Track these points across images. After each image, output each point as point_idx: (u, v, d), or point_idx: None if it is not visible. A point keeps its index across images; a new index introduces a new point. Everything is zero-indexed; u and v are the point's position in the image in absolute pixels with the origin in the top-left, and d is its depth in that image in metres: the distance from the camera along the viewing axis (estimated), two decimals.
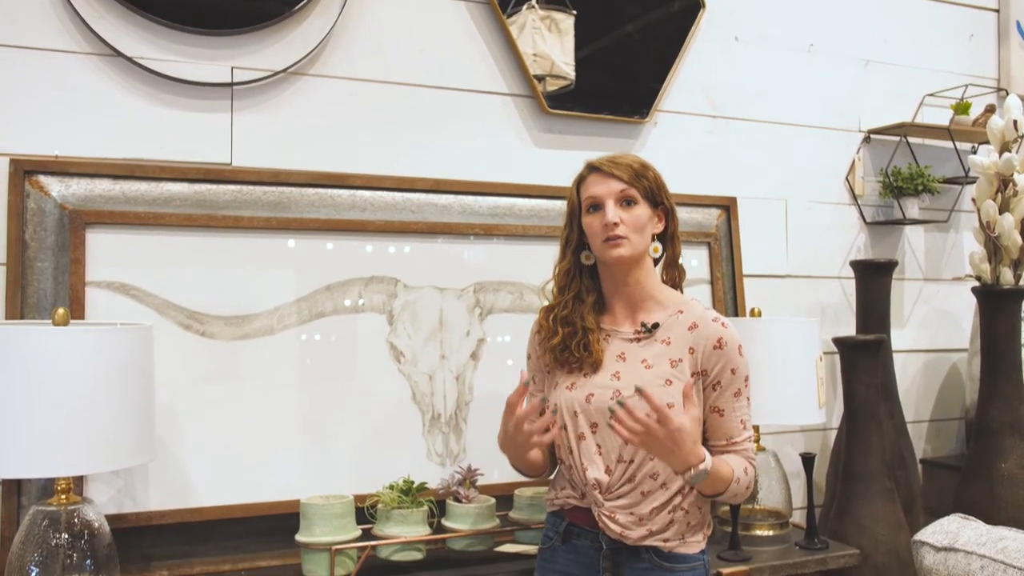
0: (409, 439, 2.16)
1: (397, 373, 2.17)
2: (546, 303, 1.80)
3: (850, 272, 2.81)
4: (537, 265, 2.31)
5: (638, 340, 1.69)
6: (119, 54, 2.02)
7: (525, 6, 2.37)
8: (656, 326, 1.69)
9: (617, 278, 1.72)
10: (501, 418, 1.64)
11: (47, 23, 1.98)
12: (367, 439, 2.13)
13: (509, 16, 2.38)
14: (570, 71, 2.41)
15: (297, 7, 2.15)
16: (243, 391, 2.03)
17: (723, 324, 1.68)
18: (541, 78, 2.40)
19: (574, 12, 2.41)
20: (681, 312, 1.70)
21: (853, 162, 2.92)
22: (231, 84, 2.12)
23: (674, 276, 1.79)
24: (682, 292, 1.80)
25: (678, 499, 1.64)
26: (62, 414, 1.54)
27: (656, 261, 1.76)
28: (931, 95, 3.03)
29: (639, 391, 1.51)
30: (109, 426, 1.60)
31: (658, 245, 1.74)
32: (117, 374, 1.62)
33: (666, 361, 1.66)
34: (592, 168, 1.72)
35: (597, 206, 1.69)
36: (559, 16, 2.40)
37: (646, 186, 1.69)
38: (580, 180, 1.75)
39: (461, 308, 2.24)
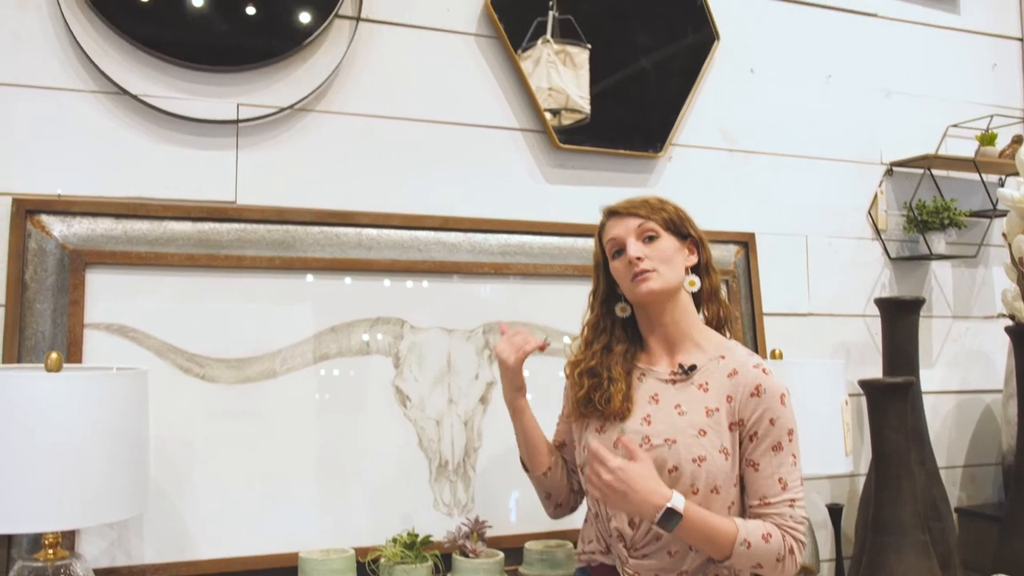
0: (415, 488, 2.08)
1: (403, 418, 2.09)
2: (570, 358, 1.74)
3: (875, 310, 2.72)
4: (549, 304, 2.26)
5: (674, 382, 1.61)
6: (124, 92, 1.99)
7: (540, 40, 2.34)
8: (693, 368, 1.60)
9: (652, 318, 1.65)
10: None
11: (53, 61, 1.96)
12: (371, 488, 2.05)
13: (524, 50, 2.35)
14: (585, 105, 2.37)
15: (305, 43, 2.12)
16: (243, 437, 1.97)
17: (764, 370, 1.59)
18: (556, 112, 2.36)
19: (589, 46, 2.38)
20: (723, 357, 1.61)
21: (875, 195, 2.84)
22: (237, 121, 2.09)
23: (716, 312, 1.70)
24: (727, 331, 1.71)
25: (712, 567, 1.54)
26: (52, 465, 1.48)
27: (696, 299, 1.69)
28: (955, 126, 2.95)
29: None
30: (100, 478, 1.53)
31: (694, 279, 1.66)
32: (110, 422, 1.56)
33: (702, 409, 1.57)
34: (610, 213, 1.68)
35: (620, 249, 1.63)
36: (574, 50, 2.37)
37: (665, 218, 1.63)
38: (600, 229, 1.70)
39: (470, 350, 2.17)
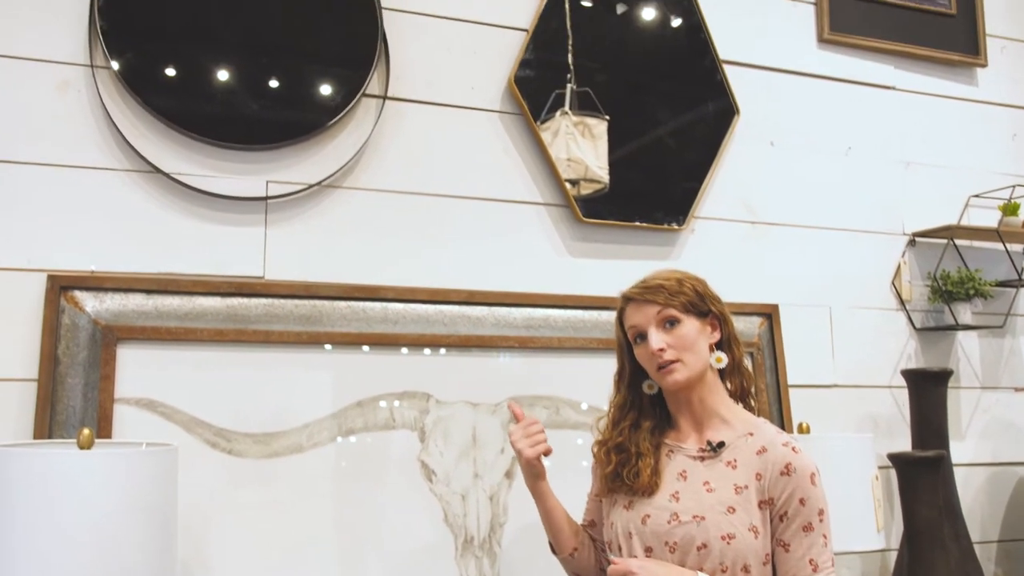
0: (441, 564, 2.06)
1: (429, 493, 2.09)
2: (597, 437, 1.73)
3: (901, 380, 2.69)
4: (573, 378, 2.27)
5: (702, 459, 1.60)
6: (158, 170, 2.05)
7: (558, 112, 2.39)
8: (722, 445, 1.60)
9: (680, 399, 1.65)
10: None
11: (90, 141, 2.03)
12: (397, 563, 2.04)
13: (542, 122, 2.39)
14: (604, 175, 2.40)
15: (333, 121, 2.18)
16: (270, 511, 1.97)
17: (794, 449, 1.57)
18: (575, 182, 2.40)
19: (607, 117, 2.43)
20: (751, 434, 1.61)
21: (899, 266, 2.84)
22: (266, 198, 2.14)
23: (739, 383, 1.69)
24: (752, 401, 1.71)
25: None
26: (83, 542, 1.49)
27: (723, 373, 1.69)
28: (977, 196, 2.96)
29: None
30: (130, 554, 1.54)
31: (721, 355, 1.66)
32: (141, 499, 1.57)
33: (730, 486, 1.55)
34: (627, 299, 1.68)
35: (642, 335, 1.64)
36: (592, 121, 2.41)
37: (684, 301, 1.62)
38: (620, 313, 1.70)
39: (495, 424, 2.17)
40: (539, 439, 1.69)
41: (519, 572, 2.08)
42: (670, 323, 1.61)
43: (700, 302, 1.64)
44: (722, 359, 1.65)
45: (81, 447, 1.59)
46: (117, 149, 2.04)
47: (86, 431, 1.60)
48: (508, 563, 2.11)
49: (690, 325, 1.61)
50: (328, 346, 2.09)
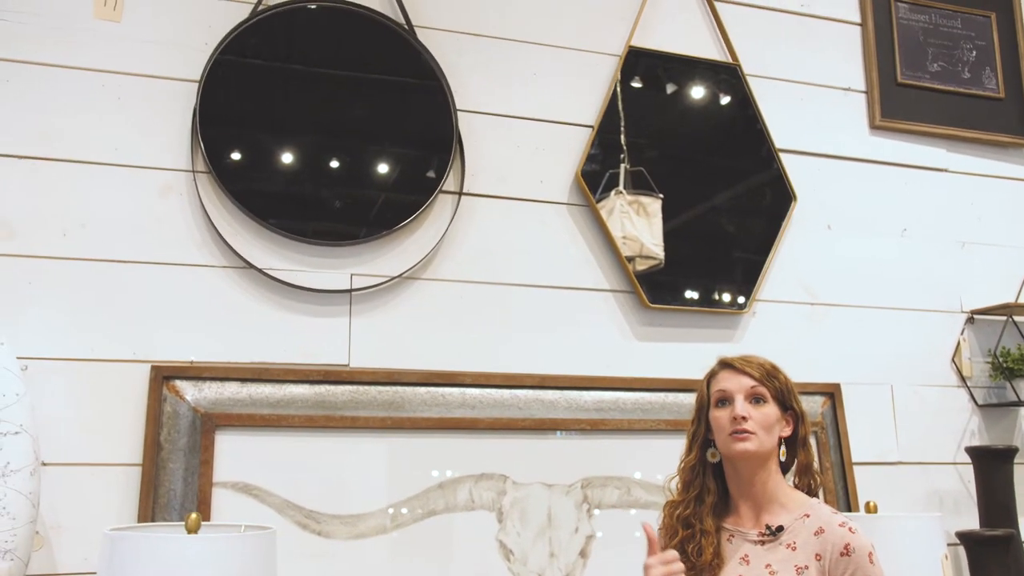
0: None
1: (507, 572, 2.16)
2: (669, 498, 1.80)
3: (965, 457, 2.71)
4: (643, 458, 2.33)
5: (762, 543, 1.67)
6: (251, 266, 2.19)
7: (613, 191, 2.49)
8: (780, 529, 1.67)
9: (743, 477, 1.72)
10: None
11: (190, 240, 2.18)
12: None
13: (597, 202, 2.49)
14: (659, 251, 2.49)
15: (412, 217, 2.31)
16: None
17: (851, 529, 1.64)
18: (631, 259, 2.49)
19: (661, 196, 2.53)
20: (807, 516, 1.68)
21: (958, 344, 2.88)
22: (351, 290, 2.27)
23: (808, 483, 1.77)
24: (818, 497, 1.77)
25: None
26: None
27: (786, 467, 1.76)
28: None
29: None
30: None
31: (784, 449, 1.74)
32: None
33: (791, 567, 1.62)
34: (724, 364, 1.77)
35: (726, 400, 1.72)
36: (646, 200, 2.51)
37: (777, 387, 1.72)
38: (711, 375, 1.78)
39: (569, 504, 2.25)
40: (676, 571, 1.63)
41: None
42: (757, 400, 1.70)
43: (787, 396, 1.73)
44: (785, 453, 1.73)
45: (189, 531, 1.69)
46: (215, 247, 2.19)
47: (193, 515, 1.70)
48: None
49: (772, 410, 1.70)
50: (411, 430, 2.19)
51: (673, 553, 1.63)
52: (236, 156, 2.22)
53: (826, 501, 2.37)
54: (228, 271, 2.20)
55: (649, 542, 1.64)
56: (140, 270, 2.13)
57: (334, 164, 2.30)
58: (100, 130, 2.15)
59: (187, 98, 2.21)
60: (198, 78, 2.21)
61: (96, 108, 2.16)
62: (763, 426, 1.68)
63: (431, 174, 2.35)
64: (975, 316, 2.91)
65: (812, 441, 2.52)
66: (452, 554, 2.15)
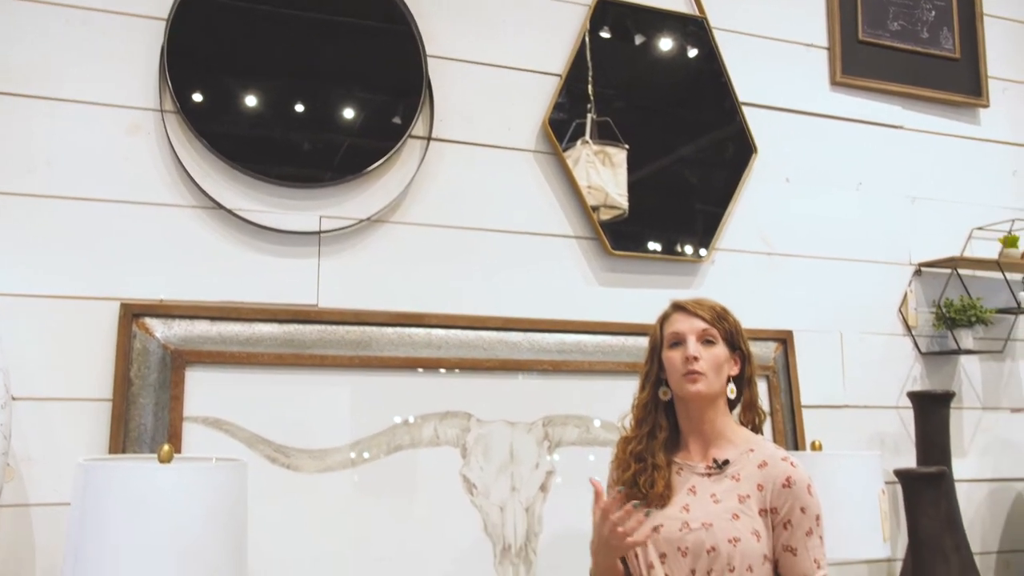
0: (481, 570, 2.22)
1: (469, 505, 2.25)
2: (623, 434, 1.89)
3: (907, 402, 2.85)
4: (603, 399, 2.42)
5: (709, 475, 1.77)
6: (220, 206, 2.21)
7: (580, 141, 2.53)
8: (727, 463, 1.77)
9: (692, 415, 1.81)
10: (594, 526, 1.72)
11: (158, 180, 2.19)
12: (441, 570, 2.20)
13: (565, 150, 2.54)
14: (623, 202, 2.54)
15: (381, 161, 2.34)
16: (323, 522, 2.13)
17: (792, 463, 1.75)
18: (596, 208, 2.54)
19: (626, 146, 2.57)
20: (752, 451, 1.78)
21: (905, 294, 3.00)
22: (319, 232, 2.30)
23: (753, 419, 1.87)
24: (761, 432, 1.87)
25: None
26: (166, 549, 1.63)
27: (732, 403, 1.85)
28: (979, 229, 3.12)
29: None
30: (209, 560, 1.67)
31: (734, 387, 1.83)
32: (217, 509, 1.70)
33: (734, 497, 1.73)
34: (677, 307, 1.85)
35: (679, 342, 1.80)
36: (612, 150, 2.55)
37: (726, 329, 1.80)
38: (664, 318, 1.86)
39: (530, 441, 2.34)
40: (635, 528, 1.67)
41: None
42: (708, 341, 1.79)
43: (735, 337, 1.82)
44: (735, 391, 1.83)
45: (161, 461, 1.73)
46: (183, 187, 2.20)
47: (166, 447, 1.74)
48: (542, 570, 2.27)
49: (722, 351, 1.79)
50: (377, 369, 2.25)
51: (630, 507, 1.67)
52: (204, 96, 2.22)
53: (775, 441, 2.50)
54: (197, 211, 2.22)
55: (595, 495, 1.71)
56: (108, 208, 2.13)
57: (303, 107, 2.31)
58: (66, 67, 2.14)
59: (155, 36, 2.20)
60: (166, 16, 2.20)
61: (62, 44, 2.14)
62: (713, 367, 1.77)
63: (400, 119, 2.38)
64: (922, 268, 3.03)
65: (763, 385, 2.65)
66: (417, 488, 2.23)
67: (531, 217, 2.53)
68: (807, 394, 2.73)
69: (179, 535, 1.65)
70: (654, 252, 2.63)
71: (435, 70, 2.45)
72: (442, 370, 2.31)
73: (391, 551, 2.17)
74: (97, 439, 2.04)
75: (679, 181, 2.73)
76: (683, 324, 1.80)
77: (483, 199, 2.49)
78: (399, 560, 2.17)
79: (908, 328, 2.99)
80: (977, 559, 2.79)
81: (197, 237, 2.21)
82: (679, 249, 2.66)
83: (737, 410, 1.88)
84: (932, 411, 2.77)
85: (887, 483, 2.51)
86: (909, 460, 2.85)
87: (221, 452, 2.05)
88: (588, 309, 2.53)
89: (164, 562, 1.63)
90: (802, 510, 1.72)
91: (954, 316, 2.91)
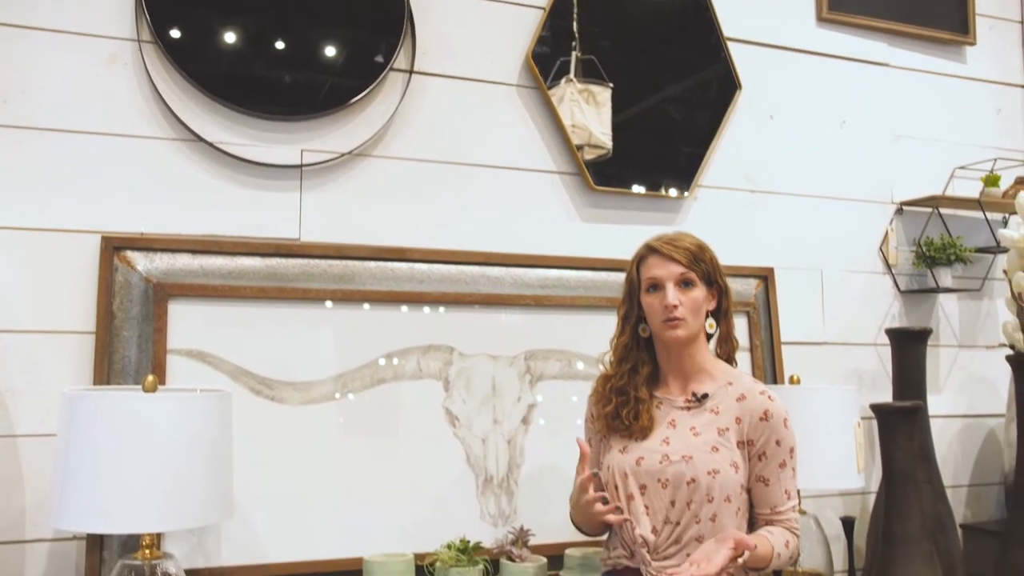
0: (464, 500, 2.27)
1: (452, 437, 2.29)
2: (604, 372, 1.91)
3: (885, 339, 2.89)
4: (584, 334, 2.44)
5: (688, 409, 1.80)
6: (200, 139, 2.20)
7: (564, 79, 2.52)
8: (705, 396, 1.80)
9: (672, 353, 1.84)
10: (573, 490, 1.78)
11: (139, 113, 2.17)
12: (424, 500, 2.24)
13: (549, 88, 2.52)
14: (607, 141, 2.54)
15: (363, 94, 2.32)
16: (308, 454, 2.16)
17: (770, 397, 1.78)
18: (580, 147, 2.54)
19: (611, 85, 2.56)
20: (731, 384, 1.81)
21: (886, 233, 3.02)
22: (301, 166, 2.29)
23: (728, 350, 1.90)
24: (735, 363, 1.90)
25: None
26: (151, 475, 1.66)
27: (709, 336, 1.88)
28: (961, 168, 3.13)
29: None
30: (194, 486, 1.71)
31: (712, 321, 1.85)
32: (200, 439, 1.74)
33: (713, 429, 1.76)
34: (653, 250, 1.83)
35: (657, 287, 1.80)
36: (596, 89, 2.54)
37: (704, 268, 1.80)
38: (640, 259, 1.85)
39: (512, 375, 2.37)
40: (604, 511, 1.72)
41: (533, 507, 2.29)
42: (686, 284, 1.79)
43: (713, 273, 1.83)
44: (713, 326, 1.85)
45: (146, 391, 1.75)
46: (163, 119, 2.18)
47: (150, 377, 1.77)
48: (523, 499, 2.31)
49: (700, 291, 1.80)
50: (360, 303, 2.26)
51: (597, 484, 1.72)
52: (183, 29, 2.19)
53: (754, 377, 2.53)
54: (177, 144, 2.20)
55: (581, 456, 1.74)
56: (86, 140, 2.11)
57: (284, 39, 2.28)
58: None
59: None
60: None
61: None
62: (692, 310, 1.78)
63: (382, 51, 2.35)
64: (903, 207, 3.04)
65: (744, 321, 2.68)
66: (400, 420, 2.26)
67: (514, 152, 2.53)
68: (787, 331, 2.77)
69: (164, 463, 1.68)
70: (636, 189, 2.63)
71: (417, 2, 2.42)
72: (425, 304, 2.33)
73: (374, 482, 2.20)
74: (82, 372, 2.06)
75: (663, 119, 2.72)
76: (660, 269, 1.80)
77: (466, 133, 2.48)
78: (382, 491, 2.20)
79: (888, 266, 3.02)
80: (949, 492, 2.86)
81: (178, 170, 2.20)
82: (662, 186, 2.66)
83: (713, 342, 1.90)
84: (909, 348, 2.81)
85: (863, 419, 2.55)
86: (886, 396, 2.90)
87: (205, 384, 2.07)
88: (570, 245, 2.54)
89: (150, 489, 1.66)
90: (777, 443, 1.76)
91: (934, 255, 2.94)
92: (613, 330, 1.93)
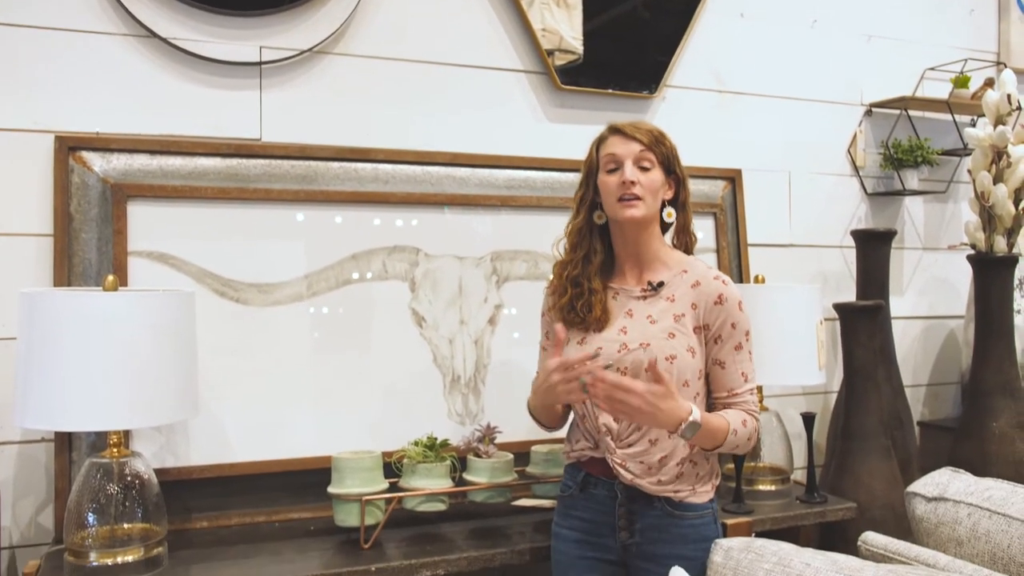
0: (431, 399, 2.29)
1: (419, 337, 2.29)
2: (558, 258, 1.90)
3: (851, 241, 2.92)
4: (551, 235, 2.39)
5: (644, 298, 1.81)
6: (155, 35, 2.12)
7: None
8: (661, 284, 1.80)
9: (628, 239, 1.82)
10: (538, 376, 1.79)
11: (88, 6, 2.09)
12: (392, 399, 2.25)
13: None
14: (578, 45, 2.49)
15: None
16: (274, 354, 2.16)
17: (724, 281, 1.79)
18: (550, 52, 2.49)
19: None
20: (685, 271, 1.82)
21: (855, 135, 3.01)
22: (260, 63, 2.23)
23: (685, 242, 1.90)
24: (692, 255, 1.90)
25: (685, 449, 1.76)
26: (115, 372, 1.66)
27: (667, 227, 1.87)
28: (932, 69, 3.11)
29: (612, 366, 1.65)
30: (158, 384, 1.72)
31: (672, 211, 1.84)
32: (163, 336, 1.73)
33: (670, 316, 1.77)
34: (614, 130, 1.82)
35: (615, 167, 1.78)
36: None
37: (663, 153, 1.79)
38: (600, 141, 1.84)
39: (479, 276, 2.36)
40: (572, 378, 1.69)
41: (500, 406, 2.30)
42: (644, 168, 1.77)
43: (671, 161, 1.81)
44: (672, 215, 1.84)
45: (106, 291, 1.74)
46: (113, 13, 2.10)
47: (110, 277, 1.76)
48: (490, 398, 2.34)
49: (658, 175, 1.79)
50: (324, 203, 2.23)
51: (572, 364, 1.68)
52: None
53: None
54: (130, 39, 2.13)
55: (556, 341, 1.73)
56: (34, 35, 2.04)
57: None
58: None
59: None
60: None
61: None
62: (649, 191, 1.77)
63: None
64: (873, 108, 3.03)
65: (710, 223, 2.68)
66: (366, 321, 2.26)
67: (479, 52, 2.47)
68: (754, 232, 2.78)
69: (127, 360, 1.68)
70: (603, 88, 2.59)
71: None
72: (389, 204, 2.30)
73: (342, 382, 2.21)
74: (41, 275, 2.03)
75: (631, 17, 2.66)
76: (620, 147, 1.78)
77: (430, 31, 2.41)
78: (350, 391, 2.22)
79: (856, 169, 3.02)
80: (908, 391, 2.94)
81: (131, 67, 2.13)
82: (630, 84, 2.62)
83: (671, 234, 1.90)
84: (873, 249, 2.84)
85: (827, 319, 2.59)
86: (850, 297, 2.94)
87: (168, 285, 2.05)
88: (537, 145, 2.52)
89: (114, 387, 1.67)
90: (732, 326, 1.77)
91: (901, 156, 2.94)
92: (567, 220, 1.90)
